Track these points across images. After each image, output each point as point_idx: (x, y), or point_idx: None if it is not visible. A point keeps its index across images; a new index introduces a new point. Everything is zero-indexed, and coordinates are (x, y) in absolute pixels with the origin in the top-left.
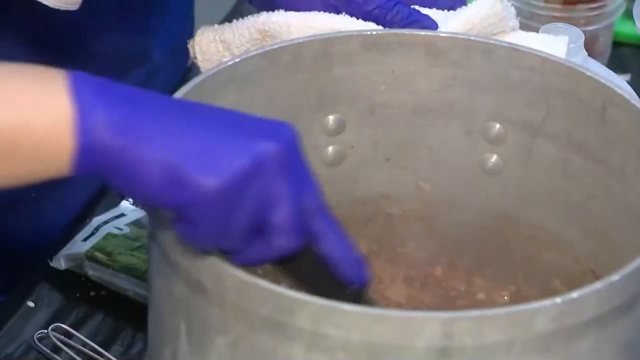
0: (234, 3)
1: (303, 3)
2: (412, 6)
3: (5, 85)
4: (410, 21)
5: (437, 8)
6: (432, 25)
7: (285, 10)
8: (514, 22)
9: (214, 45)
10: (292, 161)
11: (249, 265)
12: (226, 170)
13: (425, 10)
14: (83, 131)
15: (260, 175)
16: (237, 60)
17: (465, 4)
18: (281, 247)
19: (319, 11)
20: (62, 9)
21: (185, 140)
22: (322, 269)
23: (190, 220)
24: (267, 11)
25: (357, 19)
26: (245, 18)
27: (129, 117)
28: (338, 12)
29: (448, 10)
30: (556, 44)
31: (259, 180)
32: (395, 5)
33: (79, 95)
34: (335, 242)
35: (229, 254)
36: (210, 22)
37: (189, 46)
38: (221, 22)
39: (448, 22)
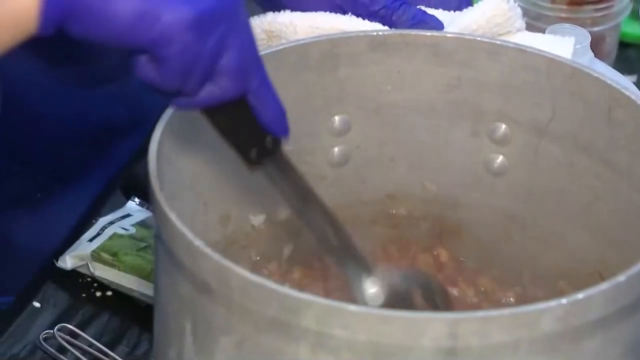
0: None
1: (309, 3)
2: (418, 6)
3: None
4: (416, 21)
5: (444, 8)
6: (438, 25)
7: (292, 10)
8: (520, 22)
9: None
10: (241, 13)
11: (191, 108)
12: (197, 7)
13: (431, 11)
14: None
15: (222, 19)
16: None
17: (472, 4)
18: (228, 90)
19: (325, 12)
20: None
21: None
22: (248, 124)
23: (158, 57)
24: (273, 11)
25: (363, 19)
26: (250, 19)
27: None
28: (344, 12)
29: (454, 11)
30: (562, 44)
31: (221, 24)
32: (401, 5)
33: None
34: (268, 94)
35: (179, 96)
36: None
37: None
38: None
39: (454, 22)
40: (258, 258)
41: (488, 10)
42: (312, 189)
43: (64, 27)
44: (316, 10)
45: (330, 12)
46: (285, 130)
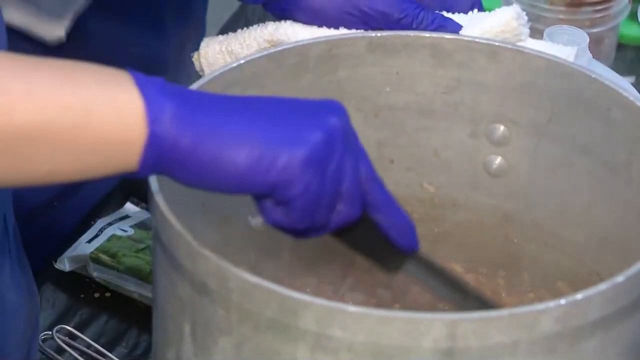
0: (237, 7)
1: (328, 15)
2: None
3: (74, 73)
4: (435, 26)
5: (458, 10)
6: (457, 28)
7: (309, 21)
8: (526, 32)
9: (221, 57)
10: (350, 133)
11: (315, 235)
12: (308, 141)
13: (446, 15)
14: (153, 121)
15: (334, 146)
16: (242, 62)
17: (482, 5)
18: (348, 215)
19: (343, 20)
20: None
21: (260, 125)
22: (376, 236)
23: (282, 200)
24: (279, 19)
25: (384, 29)
26: (251, 28)
27: (197, 109)
28: (364, 22)
29: (466, 13)
30: (564, 53)
31: (335, 151)
32: (420, 12)
33: (146, 89)
34: (389, 209)
35: (314, 232)
36: (216, 25)
37: (194, 59)
38: (225, 26)
39: (463, 32)
40: (257, 260)
41: (497, 25)
42: (457, 276)
43: (169, 174)
44: (334, 21)
45: (350, 22)
46: (414, 245)
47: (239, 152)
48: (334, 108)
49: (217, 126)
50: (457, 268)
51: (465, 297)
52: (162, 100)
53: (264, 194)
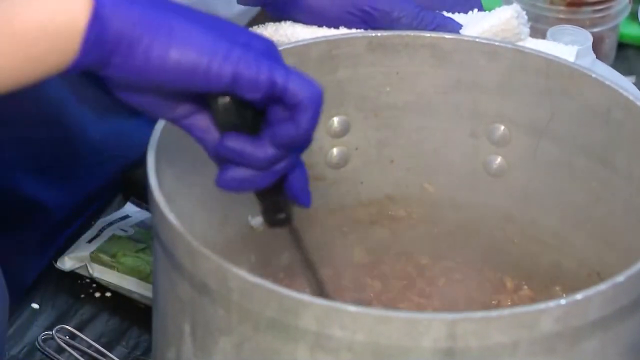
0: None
1: (329, 14)
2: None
3: None
4: (435, 26)
5: (459, 10)
6: (457, 27)
7: (308, 19)
8: (526, 32)
9: None
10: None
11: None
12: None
13: (446, 15)
14: (99, 1)
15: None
16: None
17: (482, 5)
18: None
19: (344, 19)
20: None
21: (210, 28)
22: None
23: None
24: (279, 21)
25: (384, 29)
26: (251, 30)
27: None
28: (364, 21)
29: (466, 13)
30: (565, 52)
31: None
32: (420, 11)
33: None
34: (303, 167)
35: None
36: None
37: None
38: None
39: (463, 31)
40: (257, 260)
41: (497, 24)
42: (309, 258)
43: (107, 62)
44: (335, 21)
45: (350, 22)
46: (308, 202)
47: (197, 41)
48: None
49: (172, 12)
50: (457, 268)
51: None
52: None
53: (220, 90)
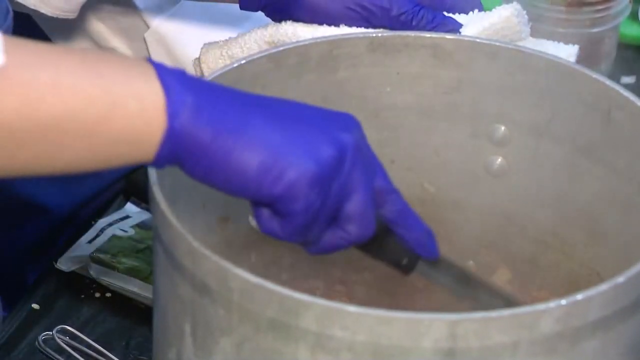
0: None
1: (329, 11)
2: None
3: (98, 63)
4: (435, 24)
5: (459, 11)
6: (457, 26)
7: (308, 17)
8: (526, 31)
9: (222, 61)
10: (363, 149)
11: (323, 253)
12: (319, 159)
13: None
14: (173, 113)
15: (343, 164)
16: (243, 62)
17: (482, 6)
18: (356, 235)
19: (344, 16)
20: (60, 17)
21: (276, 132)
22: (396, 245)
23: (282, 213)
24: (279, 21)
25: (385, 26)
26: (251, 31)
27: (216, 105)
28: (364, 18)
29: (467, 13)
30: (565, 51)
31: (343, 170)
32: (420, 9)
33: (167, 81)
34: (409, 220)
35: (305, 245)
36: None
37: (194, 65)
38: None
39: (463, 30)
40: (257, 260)
41: (497, 22)
42: (468, 272)
43: (181, 165)
44: (335, 18)
45: (351, 19)
46: (434, 253)
47: (251, 157)
48: (349, 123)
49: (235, 125)
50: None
51: (487, 294)
52: (182, 93)
53: (265, 203)
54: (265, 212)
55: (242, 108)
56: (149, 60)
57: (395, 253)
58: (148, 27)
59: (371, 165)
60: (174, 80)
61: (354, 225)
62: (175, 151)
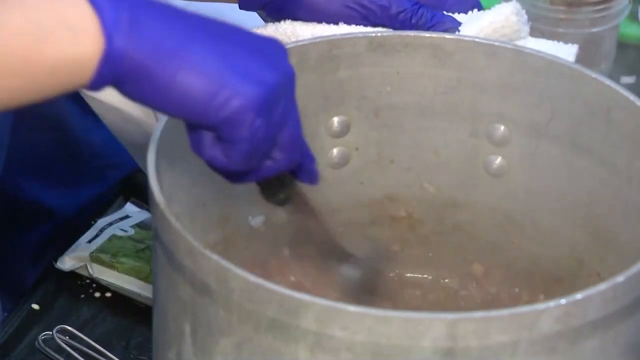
0: None
1: (327, 10)
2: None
3: None
4: (434, 23)
5: (459, 11)
6: (456, 24)
7: (308, 15)
8: (526, 30)
9: None
10: (294, 83)
11: (246, 181)
12: (265, 85)
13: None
14: (109, 37)
15: (285, 92)
16: None
17: (481, 6)
18: (286, 162)
19: (343, 14)
20: None
21: (223, 55)
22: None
23: (227, 139)
24: (279, 20)
25: (383, 25)
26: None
27: (155, 23)
28: (363, 16)
29: (466, 13)
30: (565, 51)
31: (283, 97)
32: (419, 8)
33: (98, 1)
34: (307, 155)
35: (241, 175)
36: None
37: None
38: None
39: (462, 28)
40: (257, 260)
41: (496, 21)
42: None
43: (118, 86)
44: (334, 16)
45: (349, 17)
46: (316, 180)
47: (196, 81)
48: (281, 49)
49: (177, 45)
50: (455, 267)
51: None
52: (116, 12)
53: (210, 127)
54: (208, 138)
55: (184, 26)
56: None
57: (277, 184)
58: None
59: (296, 104)
60: None
61: (285, 152)
62: (113, 73)
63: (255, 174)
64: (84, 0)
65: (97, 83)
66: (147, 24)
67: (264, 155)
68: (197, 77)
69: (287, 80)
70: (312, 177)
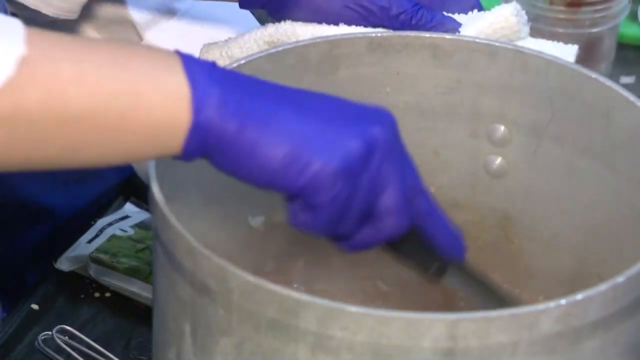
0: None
1: (327, 10)
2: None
3: (122, 55)
4: (434, 24)
5: (459, 12)
6: (456, 25)
7: (309, 18)
8: (526, 30)
9: (222, 62)
10: (396, 145)
11: (358, 250)
12: (345, 151)
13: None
14: (199, 107)
15: (372, 158)
16: (242, 62)
17: (482, 7)
18: (392, 229)
19: (343, 15)
20: (61, 17)
21: (303, 124)
22: (425, 246)
23: (309, 205)
24: (278, 21)
25: (384, 25)
26: (250, 31)
27: (243, 98)
28: (363, 17)
29: (466, 13)
30: (565, 51)
31: (372, 163)
32: (419, 9)
33: (193, 73)
34: (438, 220)
35: (338, 241)
36: None
37: None
38: None
39: (462, 29)
40: (257, 260)
41: (496, 22)
42: (493, 284)
43: (208, 158)
44: (335, 17)
45: (350, 18)
46: (461, 254)
47: (276, 149)
48: (381, 117)
49: (261, 117)
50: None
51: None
52: (209, 86)
53: (293, 195)
54: (296, 206)
55: (269, 99)
56: (177, 51)
57: (425, 257)
58: (142, 39)
59: (405, 163)
60: (201, 71)
61: (387, 220)
62: (202, 144)
63: (357, 240)
64: (181, 70)
65: (187, 153)
66: (235, 97)
67: (357, 222)
68: (276, 145)
69: (373, 146)
70: (453, 252)
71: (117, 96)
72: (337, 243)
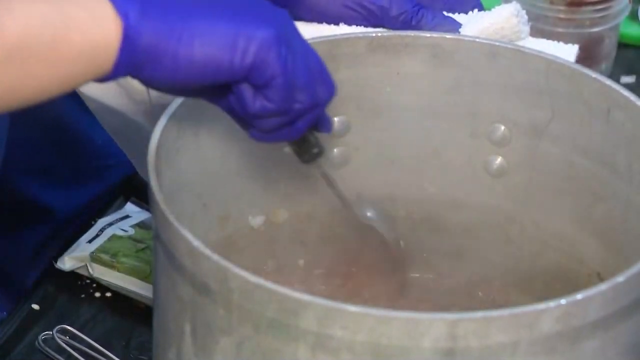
0: None
1: (328, 10)
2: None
3: None
4: (434, 24)
5: (460, 11)
6: (456, 25)
7: (308, 16)
8: (526, 31)
9: None
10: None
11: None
12: (274, 21)
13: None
14: (125, 17)
15: (293, 26)
16: None
17: (482, 6)
18: (329, 92)
19: (343, 15)
20: None
21: (226, 14)
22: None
23: (262, 84)
24: None
25: (384, 26)
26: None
27: (165, 4)
28: (364, 17)
29: (466, 13)
30: (565, 51)
31: (295, 30)
32: (420, 9)
33: None
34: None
35: (311, 113)
36: None
37: None
38: None
39: (463, 29)
40: (257, 260)
41: (497, 22)
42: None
43: (141, 71)
44: (335, 17)
45: (350, 18)
46: (331, 128)
47: (214, 40)
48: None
49: (186, 18)
50: (455, 267)
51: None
52: (130, 2)
53: (241, 79)
54: (247, 93)
55: (186, 2)
56: None
57: (306, 144)
58: None
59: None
60: None
61: (319, 85)
62: (134, 56)
63: (316, 108)
64: None
65: (119, 67)
66: (155, 2)
67: (309, 87)
68: (212, 38)
69: (291, 22)
70: (329, 125)
71: (48, 21)
72: (302, 119)
